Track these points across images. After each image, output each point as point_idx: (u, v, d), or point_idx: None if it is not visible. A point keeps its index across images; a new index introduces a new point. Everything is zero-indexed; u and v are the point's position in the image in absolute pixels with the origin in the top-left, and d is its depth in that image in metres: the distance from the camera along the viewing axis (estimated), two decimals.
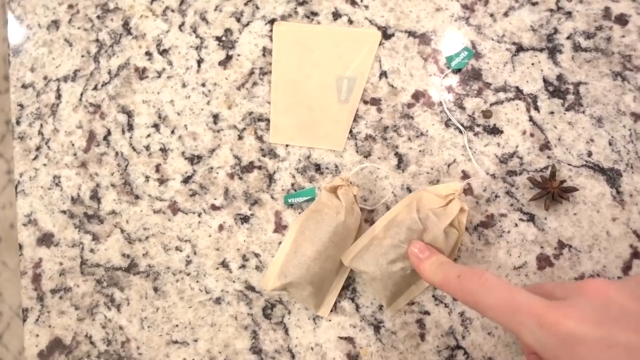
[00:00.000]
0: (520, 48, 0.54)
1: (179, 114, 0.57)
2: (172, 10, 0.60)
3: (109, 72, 0.60)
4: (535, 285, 0.40)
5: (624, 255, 0.49)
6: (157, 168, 0.56)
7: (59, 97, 0.60)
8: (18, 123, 0.60)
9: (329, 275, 0.50)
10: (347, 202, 0.48)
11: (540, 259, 0.50)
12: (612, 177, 0.50)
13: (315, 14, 0.58)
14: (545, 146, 0.51)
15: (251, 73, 0.57)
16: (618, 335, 0.28)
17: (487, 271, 0.36)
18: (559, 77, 0.53)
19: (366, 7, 0.57)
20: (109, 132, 0.58)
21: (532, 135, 0.52)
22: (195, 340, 0.52)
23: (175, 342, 0.53)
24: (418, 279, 0.50)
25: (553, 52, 0.54)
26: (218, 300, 0.53)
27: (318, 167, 0.54)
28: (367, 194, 0.53)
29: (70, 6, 0.62)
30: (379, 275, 0.47)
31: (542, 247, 0.50)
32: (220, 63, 0.58)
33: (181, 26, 0.60)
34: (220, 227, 0.54)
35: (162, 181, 0.56)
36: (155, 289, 0.54)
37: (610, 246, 0.49)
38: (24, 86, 0.61)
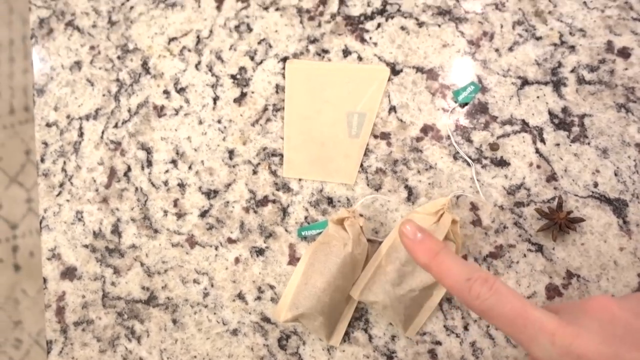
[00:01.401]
0: (525, 82, 0.56)
1: (195, 150, 0.60)
2: (189, 50, 0.63)
3: (129, 111, 0.62)
4: (543, 307, 0.40)
5: (632, 284, 0.49)
6: (175, 203, 0.58)
7: (81, 135, 0.62)
8: (42, 161, 0.62)
9: (339, 305, 0.51)
10: (354, 234, 0.50)
11: (549, 288, 0.51)
12: (618, 207, 0.51)
13: (326, 51, 0.60)
14: (551, 177, 0.53)
15: (265, 109, 0.60)
16: (624, 354, 0.29)
17: (497, 278, 0.36)
18: (564, 110, 0.54)
19: (375, 44, 0.59)
20: (129, 169, 0.60)
21: (538, 167, 0.53)
22: None
23: None
24: (428, 299, 0.51)
25: (557, 85, 0.55)
26: (235, 332, 0.54)
27: (330, 201, 0.56)
28: (379, 226, 0.54)
29: (92, 47, 0.65)
30: (389, 302, 0.48)
31: (550, 277, 0.51)
32: (235, 100, 0.60)
33: (197, 65, 0.62)
34: (237, 260, 0.56)
35: (180, 215, 0.58)
36: (174, 321, 0.55)
37: (618, 275, 0.50)
38: (48, 125, 0.64)
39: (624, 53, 0.55)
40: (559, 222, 0.50)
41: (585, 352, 0.30)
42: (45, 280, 0.59)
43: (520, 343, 0.33)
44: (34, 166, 1.82)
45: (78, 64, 0.65)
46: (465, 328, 0.51)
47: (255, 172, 0.58)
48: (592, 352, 0.30)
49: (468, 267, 0.37)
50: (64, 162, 0.62)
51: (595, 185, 0.52)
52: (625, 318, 0.31)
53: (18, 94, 1.81)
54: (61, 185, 0.61)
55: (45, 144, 0.63)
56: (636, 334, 0.30)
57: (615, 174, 0.52)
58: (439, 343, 0.51)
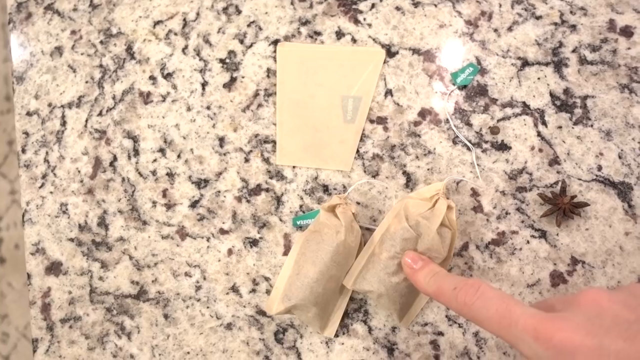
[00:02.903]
0: (525, 63, 0.54)
1: (184, 137, 0.57)
2: (175, 34, 0.60)
3: (114, 98, 0.60)
4: (540, 301, 0.40)
5: (638, 270, 0.48)
6: (164, 193, 0.56)
7: (64, 123, 0.60)
8: (24, 151, 0.60)
9: (332, 295, 0.49)
10: (346, 221, 0.48)
11: (554, 275, 0.49)
12: (623, 190, 0.50)
13: (318, 33, 0.58)
14: (554, 161, 0.51)
15: (256, 95, 0.57)
16: (610, 345, 0.28)
17: (483, 283, 0.36)
18: (566, 91, 0.53)
19: (369, 25, 0.57)
20: (115, 158, 0.58)
21: (540, 150, 0.51)
22: None
23: None
24: None
25: (559, 66, 0.53)
26: (229, 326, 0.52)
27: (326, 188, 0.54)
28: (377, 213, 0.52)
29: (73, 32, 0.62)
30: (384, 291, 0.47)
31: (555, 264, 0.49)
32: (224, 85, 0.58)
33: (184, 49, 0.60)
34: (230, 252, 0.54)
35: (169, 206, 0.56)
36: (166, 316, 0.53)
37: (624, 261, 0.48)
38: (28, 114, 0.61)
39: (627, 32, 0.53)
40: (563, 207, 0.49)
41: (569, 345, 0.29)
42: (29, 275, 0.56)
43: (509, 343, 0.33)
44: (17, 157, 1.78)
45: (59, 50, 0.62)
46: (467, 319, 0.49)
47: (247, 160, 0.56)
48: (576, 345, 0.29)
49: (456, 278, 0.39)
50: (47, 153, 0.59)
51: (599, 168, 0.50)
52: (614, 309, 0.31)
53: None
54: (44, 176, 0.59)
55: (26, 133, 0.60)
56: (623, 324, 0.30)
57: (620, 157, 0.50)
58: (441, 334, 0.50)
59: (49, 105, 0.61)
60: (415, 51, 0.56)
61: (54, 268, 0.56)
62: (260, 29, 0.59)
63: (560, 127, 0.52)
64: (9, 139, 1.74)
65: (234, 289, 0.53)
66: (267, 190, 0.55)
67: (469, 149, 0.53)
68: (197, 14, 0.60)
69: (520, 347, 0.32)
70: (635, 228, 0.49)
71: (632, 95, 0.51)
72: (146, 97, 0.59)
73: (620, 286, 0.42)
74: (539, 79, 0.53)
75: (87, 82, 0.61)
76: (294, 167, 0.55)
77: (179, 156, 0.57)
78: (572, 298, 0.34)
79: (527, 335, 0.31)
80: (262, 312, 0.52)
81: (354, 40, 0.57)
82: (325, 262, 0.47)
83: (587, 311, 0.31)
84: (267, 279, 0.53)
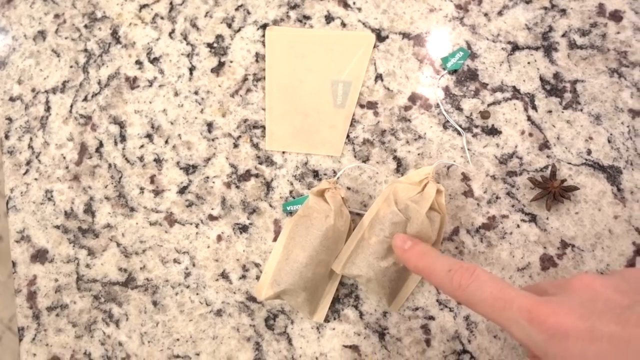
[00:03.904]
0: (515, 47, 0.54)
1: (172, 123, 0.56)
2: (162, 18, 0.59)
3: (99, 83, 0.58)
4: (532, 285, 0.40)
5: (627, 253, 0.48)
6: (152, 179, 0.55)
7: (48, 109, 0.59)
8: (7, 137, 0.58)
9: (322, 280, 0.49)
10: (335, 205, 0.47)
11: (544, 259, 0.49)
12: (612, 174, 0.50)
13: (307, 17, 0.57)
14: (544, 145, 0.51)
15: (244, 79, 0.57)
16: (602, 328, 0.28)
17: (478, 267, 0.36)
18: (556, 76, 0.53)
19: (359, 9, 0.57)
20: (101, 144, 0.57)
21: (530, 134, 0.51)
22: (197, 354, 0.51)
23: (177, 356, 0.52)
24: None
25: (549, 50, 0.53)
26: (219, 312, 0.52)
27: (316, 174, 0.53)
28: (367, 199, 0.52)
29: (57, 16, 0.61)
30: (374, 275, 0.46)
31: (545, 248, 0.49)
32: (212, 70, 0.57)
33: (171, 33, 0.59)
34: (219, 238, 0.53)
35: (157, 192, 0.55)
36: (155, 303, 0.53)
37: (613, 244, 0.49)
38: (11, 99, 0.59)
39: (616, 16, 0.53)
40: (553, 191, 0.49)
41: (562, 328, 0.29)
42: (14, 263, 0.55)
43: (502, 326, 0.33)
44: None
45: (42, 34, 0.61)
46: (459, 302, 0.49)
47: (236, 146, 0.55)
48: (569, 328, 0.29)
49: (450, 260, 0.39)
50: (31, 139, 0.58)
51: (589, 152, 0.50)
52: (607, 294, 0.31)
53: None
54: (28, 163, 0.58)
55: (10, 119, 0.59)
56: (615, 308, 0.30)
57: (609, 141, 0.51)
58: (432, 318, 0.50)
59: (33, 90, 0.59)
60: (406, 35, 0.56)
61: (40, 256, 0.55)
62: (249, 12, 0.58)
63: (550, 112, 0.52)
64: None
65: (224, 276, 0.52)
66: (256, 175, 0.54)
67: (459, 133, 0.52)
68: None
69: (513, 330, 0.32)
70: (624, 211, 0.49)
71: (621, 79, 0.52)
72: (132, 82, 0.58)
73: (612, 271, 0.42)
74: (529, 63, 0.53)
75: (71, 66, 0.60)
76: (283, 152, 0.54)
77: (166, 142, 0.56)
78: (565, 282, 0.34)
79: (520, 318, 0.31)
80: (252, 298, 0.52)
81: (343, 25, 0.57)
82: (314, 246, 0.47)
83: (580, 295, 0.32)
84: (257, 265, 0.52)
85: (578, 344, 0.29)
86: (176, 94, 0.57)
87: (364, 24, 0.56)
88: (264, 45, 0.57)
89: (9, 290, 1.66)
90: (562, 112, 0.52)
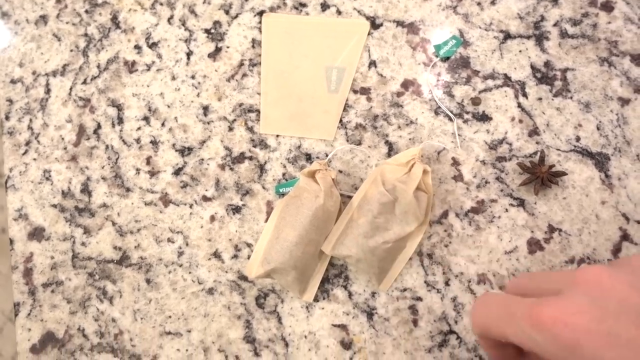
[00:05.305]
0: (507, 36, 0.55)
1: (169, 106, 0.57)
2: (161, 4, 0.60)
3: (98, 66, 0.60)
4: (528, 275, 0.36)
5: (613, 238, 0.49)
6: (148, 160, 0.56)
7: (48, 91, 0.60)
8: (7, 118, 0.60)
9: (311, 259, 0.50)
10: (325, 186, 0.48)
11: (531, 243, 0.50)
12: (600, 161, 0.50)
13: (303, 5, 0.58)
14: (534, 132, 0.52)
15: (241, 65, 0.57)
16: (620, 332, 0.25)
17: (488, 293, 0.33)
18: (547, 64, 0.53)
19: None
20: (99, 126, 0.58)
21: (520, 121, 0.52)
22: (189, 331, 0.52)
23: (169, 333, 0.52)
24: (401, 251, 0.50)
25: (540, 39, 0.54)
26: (211, 291, 0.53)
27: (309, 157, 0.54)
28: (358, 182, 0.53)
29: (58, 1, 0.62)
30: (362, 255, 0.47)
31: (532, 232, 0.50)
32: (209, 55, 0.58)
33: (170, 19, 0.60)
34: (212, 218, 0.54)
35: (152, 173, 0.56)
36: (148, 281, 0.54)
37: (600, 229, 0.49)
38: (12, 81, 0.61)
39: (607, 6, 0.54)
40: (541, 176, 0.50)
41: (573, 331, 0.26)
42: (11, 241, 0.56)
43: (517, 343, 0.29)
44: None
45: (44, 18, 0.62)
46: (447, 283, 0.50)
47: (231, 129, 0.56)
48: (581, 331, 0.26)
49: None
50: (30, 120, 0.59)
51: (578, 139, 0.51)
52: (619, 290, 0.27)
53: None
54: (27, 143, 0.59)
55: (10, 101, 0.60)
56: (632, 308, 0.26)
57: (598, 128, 0.51)
58: (419, 299, 0.50)
59: (33, 73, 0.61)
60: (399, 23, 0.56)
61: (37, 233, 0.56)
62: (246, 0, 0.59)
63: (540, 99, 0.53)
64: None
65: (216, 255, 0.53)
66: (250, 158, 0.55)
67: (450, 119, 0.53)
68: None
69: (524, 343, 0.28)
70: (611, 197, 0.50)
71: (611, 68, 0.52)
72: (131, 66, 0.59)
73: (619, 260, 0.38)
74: (520, 51, 0.54)
75: (71, 50, 0.61)
76: (277, 136, 0.55)
77: (163, 124, 0.57)
78: (568, 275, 0.30)
79: (526, 326, 0.28)
80: (243, 277, 0.53)
81: (338, 12, 0.57)
82: (304, 225, 0.48)
83: (588, 292, 0.28)
84: (249, 245, 0.53)
85: (594, 349, 0.25)
86: (173, 78, 0.58)
87: (358, 11, 0.57)
88: (260, 31, 0.58)
89: (10, 281, 1.67)
90: (552, 99, 0.52)
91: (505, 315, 0.30)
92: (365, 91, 0.55)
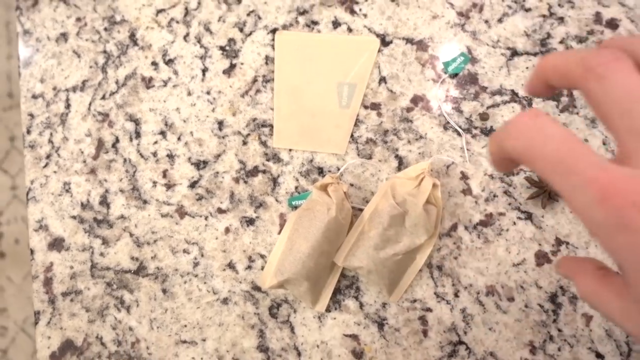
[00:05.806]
0: (514, 53, 0.56)
1: (184, 121, 0.59)
2: (177, 22, 0.62)
3: (117, 82, 0.62)
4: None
5: None
6: (164, 174, 0.58)
7: (68, 106, 0.62)
8: (29, 132, 0.62)
9: (323, 270, 0.51)
10: (337, 199, 0.50)
11: (539, 255, 0.51)
12: None
13: (315, 23, 0.60)
14: None
15: (254, 81, 0.59)
16: None
17: (542, 113, 0.24)
18: None
19: (365, 15, 0.59)
20: (117, 140, 0.60)
21: None
22: (204, 340, 0.54)
23: (184, 341, 0.54)
24: (411, 263, 0.51)
25: None
26: (225, 301, 0.54)
27: (321, 170, 0.56)
28: (369, 195, 0.54)
29: (78, 19, 0.65)
30: (373, 267, 0.49)
31: (540, 244, 0.51)
32: (224, 72, 0.60)
33: (186, 37, 0.62)
34: (227, 230, 0.56)
35: (169, 186, 0.58)
36: (164, 291, 0.55)
37: None
38: (34, 97, 0.63)
39: (612, 24, 0.55)
40: (548, 190, 0.51)
41: None
42: (32, 251, 0.58)
43: (560, 192, 0.23)
44: (18, 153, 1.80)
45: (64, 36, 0.64)
46: (456, 295, 0.51)
47: (245, 143, 0.58)
48: None
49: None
50: (51, 134, 0.61)
51: None
52: None
53: (1, 80, 1.78)
54: (48, 156, 0.61)
55: (32, 115, 0.62)
56: None
57: (604, 143, 0.52)
58: (429, 310, 0.51)
59: (54, 88, 0.63)
60: (409, 41, 0.58)
61: (57, 244, 0.58)
62: (260, 18, 0.61)
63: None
64: (11, 134, 1.76)
65: (231, 266, 0.55)
66: (263, 171, 0.57)
67: (459, 134, 0.55)
68: (199, 3, 0.62)
69: (574, 202, 0.22)
70: None
71: None
72: (148, 82, 0.61)
73: None
74: (527, 68, 0.55)
75: (91, 67, 0.63)
76: (290, 150, 0.57)
77: (179, 138, 0.59)
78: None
79: (590, 192, 0.21)
80: (257, 288, 0.54)
81: (349, 30, 0.59)
82: (317, 237, 0.49)
83: None
84: (262, 256, 0.55)
85: None
86: (189, 94, 0.60)
87: (369, 29, 0.59)
88: (273, 48, 0.60)
89: (24, 292, 1.70)
90: (559, 115, 0.54)
91: (567, 161, 0.22)
92: (375, 106, 0.57)
